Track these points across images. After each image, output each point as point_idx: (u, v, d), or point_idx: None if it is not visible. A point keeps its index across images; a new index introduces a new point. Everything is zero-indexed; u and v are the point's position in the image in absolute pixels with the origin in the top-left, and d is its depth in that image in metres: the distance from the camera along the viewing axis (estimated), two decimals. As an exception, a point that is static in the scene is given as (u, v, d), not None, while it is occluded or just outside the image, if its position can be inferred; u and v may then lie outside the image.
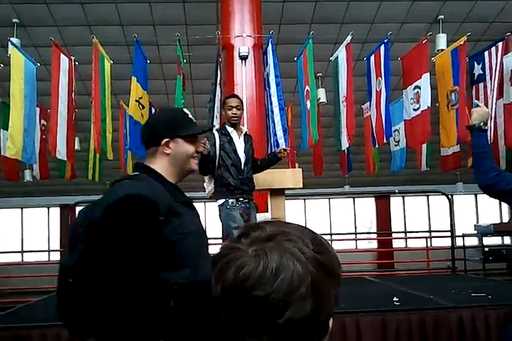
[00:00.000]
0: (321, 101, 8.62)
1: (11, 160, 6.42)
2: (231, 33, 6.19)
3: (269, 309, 0.64)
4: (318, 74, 8.62)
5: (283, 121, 6.42)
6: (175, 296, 1.45)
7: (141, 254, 1.43)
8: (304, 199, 15.53)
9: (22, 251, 15.17)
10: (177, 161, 1.67)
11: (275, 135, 6.52)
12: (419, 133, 6.37)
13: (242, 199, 3.91)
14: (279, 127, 6.41)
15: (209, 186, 4.13)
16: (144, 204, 1.46)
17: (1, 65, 6.28)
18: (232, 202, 3.90)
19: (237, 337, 0.66)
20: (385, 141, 6.48)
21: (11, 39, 6.19)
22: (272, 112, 6.47)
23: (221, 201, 3.94)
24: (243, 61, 6.18)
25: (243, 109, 4.18)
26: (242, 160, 3.97)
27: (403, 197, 15.81)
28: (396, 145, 8.50)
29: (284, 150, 4.11)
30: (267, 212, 4.47)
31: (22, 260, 14.30)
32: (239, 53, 6.13)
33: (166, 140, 1.65)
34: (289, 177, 4.42)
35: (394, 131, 7.60)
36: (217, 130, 4.11)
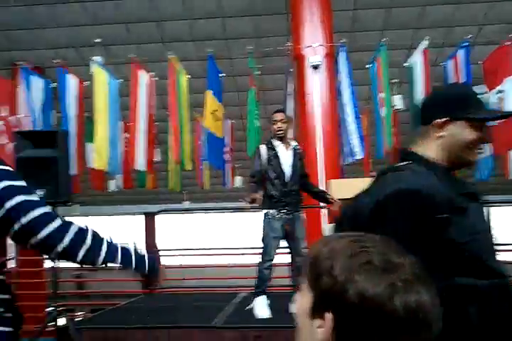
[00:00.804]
0: (396, 107, 8.35)
1: (97, 171, 6.81)
2: (302, 43, 6.19)
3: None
4: (393, 81, 8.38)
5: (359, 129, 6.31)
6: (477, 301, 1.23)
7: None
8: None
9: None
10: (452, 148, 1.36)
11: (349, 144, 6.41)
12: (505, 139, 5.99)
13: (284, 211, 4.05)
14: (354, 136, 6.30)
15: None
16: (419, 201, 1.23)
17: (86, 82, 6.69)
18: (273, 213, 4.07)
19: None
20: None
21: (94, 57, 6.59)
22: (346, 121, 6.37)
23: (264, 211, 4.12)
24: (315, 71, 6.15)
25: (289, 123, 4.30)
26: (287, 174, 4.10)
27: (489, 207, 14.84)
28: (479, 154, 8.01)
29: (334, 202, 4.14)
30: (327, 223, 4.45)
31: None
32: (310, 63, 6.11)
33: (445, 119, 1.35)
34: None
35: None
36: (265, 144, 4.26)
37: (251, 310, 4.01)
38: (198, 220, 16.58)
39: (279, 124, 4.14)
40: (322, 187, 5.22)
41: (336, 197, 4.16)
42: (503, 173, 8.64)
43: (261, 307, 3.97)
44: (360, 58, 7.25)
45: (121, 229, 16.79)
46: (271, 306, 3.97)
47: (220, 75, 6.88)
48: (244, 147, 10.10)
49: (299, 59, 6.27)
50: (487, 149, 7.67)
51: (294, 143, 4.32)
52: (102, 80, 6.25)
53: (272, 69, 8.20)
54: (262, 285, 4.10)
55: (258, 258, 4.14)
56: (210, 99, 6.70)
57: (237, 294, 5.50)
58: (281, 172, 4.09)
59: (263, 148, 4.19)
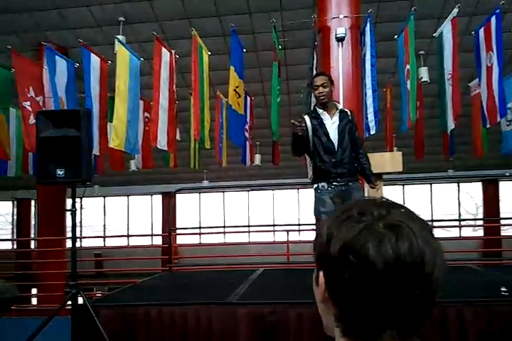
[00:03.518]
0: (423, 80, 8.17)
1: (117, 151, 6.80)
2: (327, 15, 6.04)
3: (430, 285, 0.64)
4: (420, 53, 8.16)
5: (375, 103, 6.16)
6: None
7: None
8: (403, 185, 14.96)
9: (128, 236, 16.25)
10: None
11: (366, 118, 6.28)
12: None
13: (336, 183, 3.78)
14: (370, 110, 6.18)
15: (310, 171, 4.03)
16: None
17: (109, 62, 6.64)
18: (322, 186, 3.82)
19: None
20: (498, 119, 6.01)
21: (117, 36, 6.51)
22: (365, 94, 6.24)
23: (315, 186, 3.87)
24: (340, 43, 6.00)
25: (332, 85, 3.92)
26: (335, 142, 3.81)
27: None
28: (508, 125, 7.85)
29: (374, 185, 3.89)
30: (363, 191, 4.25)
31: (128, 244, 15.32)
32: (336, 35, 5.96)
33: None
34: (388, 160, 4.23)
35: (507, 109, 7.02)
36: (307, 114, 3.95)
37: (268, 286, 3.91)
38: (218, 199, 16.65)
39: (320, 89, 3.81)
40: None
41: None
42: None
43: None
44: (390, 29, 7.06)
45: (140, 209, 16.95)
46: (293, 282, 3.85)
47: (243, 51, 6.76)
48: (264, 124, 10.06)
49: (324, 31, 6.13)
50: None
51: (339, 106, 3.98)
52: (124, 59, 6.18)
53: (296, 42, 8.05)
54: None
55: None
56: (232, 76, 6.61)
57: (256, 271, 5.50)
58: (328, 142, 3.80)
59: (307, 118, 3.86)
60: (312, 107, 4.09)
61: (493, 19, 5.79)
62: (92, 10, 8.35)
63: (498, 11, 5.75)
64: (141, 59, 6.51)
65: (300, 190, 15.49)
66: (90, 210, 16.12)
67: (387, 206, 0.69)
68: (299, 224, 12.55)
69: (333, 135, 3.82)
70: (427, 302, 0.65)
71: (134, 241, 15.59)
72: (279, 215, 15.75)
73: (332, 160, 3.79)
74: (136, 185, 15.44)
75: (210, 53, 6.75)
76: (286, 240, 7.96)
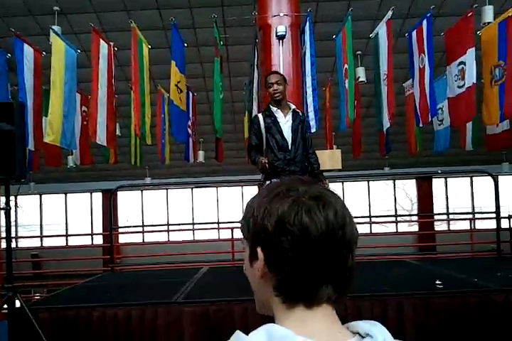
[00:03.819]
0: (360, 80, 8.42)
1: (53, 146, 6.56)
2: (268, 13, 6.09)
3: (350, 245, 0.74)
4: (357, 53, 8.41)
5: (315, 102, 6.30)
6: None
7: None
8: (342, 182, 15.37)
9: (67, 235, 15.71)
10: None
11: (307, 116, 6.41)
12: (464, 112, 6.15)
13: None
14: (310, 108, 6.31)
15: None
16: None
17: (44, 53, 6.39)
18: None
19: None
20: (429, 119, 6.30)
21: (52, 27, 6.28)
22: (306, 93, 6.36)
23: (267, 182, 3.91)
24: (280, 41, 6.08)
25: (286, 84, 4.00)
26: (289, 140, 3.87)
27: (446, 178, 15.43)
28: (440, 125, 8.25)
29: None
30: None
31: (67, 243, 14.82)
32: (276, 33, 6.03)
33: None
34: (328, 158, 4.35)
35: (437, 110, 7.37)
36: (262, 112, 4.02)
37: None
38: (161, 196, 16.41)
39: (275, 86, 3.86)
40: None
41: None
42: (460, 145, 8.96)
43: None
44: (327, 29, 7.23)
45: (79, 207, 16.43)
46: (238, 279, 3.89)
47: (185, 46, 6.70)
48: (207, 121, 10.03)
49: (264, 29, 6.18)
50: (445, 121, 7.94)
51: (292, 106, 4.05)
52: (60, 51, 5.97)
53: (238, 39, 8.07)
54: None
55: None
56: (174, 70, 6.54)
57: (200, 269, 5.49)
58: (282, 139, 3.87)
59: (260, 117, 3.94)
60: (263, 106, 4.15)
61: (425, 22, 6.06)
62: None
63: (429, 14, 6.01)
64: (78, 51, 6.32)
65: (244, 187, 15.56)
66: (26, 208, 15.47)
67: (308, 182, 0.78)
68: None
69: (287, 133, 3.89)
70: (350, 259, 0.74)
71: (73, 241, 15.10)
72: (224, 212, 15.76)
73: (286, 157, 3.85)
74: (75, 182, 14.96)
75: (150, 47, 6.64)
76: (230, 237, 8.00)
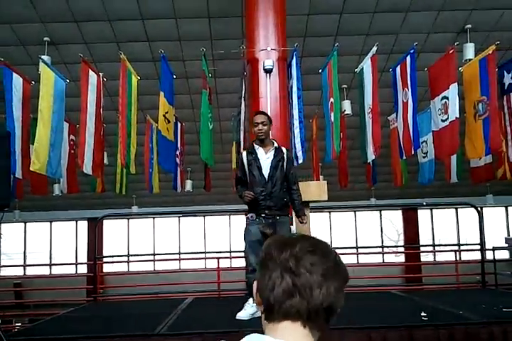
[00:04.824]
0: (346, 113, 8.57)
1: (39, 175, 6.52)
2: (256, 47, 6.23)
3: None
4: (343, 86, 8.59)
5: (302, 134, 6.42)
6: None
7: None
8: (329, 212, 15.39)
9: (50, 264, 15.41)
10: None
11: (295, 148, 6.51)
12: (447, 145, 6.26)
13: (263, 215, 4.01)
14: (297, 140, 6.42)
15: None
16: None
17: (33, 82, 6.44)
18: (252, 216, 4.06)
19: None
20: (412, 152, 6.39)
21: (42, 57, 6.35)
22: (293, 125, 6.47)
23: (247, 215, 4.12)
24: (268, 74, 6.21)
25: (270, 124, 4.22)
26: (266, 176, 4.05)
27: (431, 209, 15.52)
28: (424, 157, 8.37)
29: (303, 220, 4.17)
30: (292, 225, 4.42)
31: (50, 273, 14.53)
32: (264, 67, 6.16)
33: None
34: (314, 189, 4.40)
35: (422, 143, 7.50)
36: (245, 149, 4.27)
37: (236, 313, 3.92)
38: (148, 225, 16.25)
39: (260, 126, 4.09)
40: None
41: None
42: (444, 177, 9.08)
43: (244, 311, 3.87)
44: (314, 63, 7.40)
45: (64, 235, 16.18)
46: (223, 311, 3.88)
47: (173, 77, 6.80)
48: (195, 150, 10.06)
49: (252, 62, 6.30)
50: (430, 154, 8.06)
51: (275, 144, 4.23)
52: (49, 81, 6.02)
53: (226, 72, 8.21)
54: (248, 290, 3.98)
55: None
56: (162, 101, 6.61)
57: (186, 300, 5.41)
58: (260, 175, 4.05)
59: (244, 154, 4.19)
60: (249, 140, 4.31)
61: (408, 58, 6.23)
62: (14, 28, 8.10)
63: (412, 51, 6.19)
64: (68, 80, 6.38)
65: (232, 216, 15.49)
66: (10, 236, 15.19)
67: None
68: (231, 251, 12.50)
69: (266, 169, 4.07)
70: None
71: (57, 270, 14.81)
72: (211, 242, 15.63)
73: (262, 192, 4.01)
74: (60, 210, 14.78)
75: (139, 78, 6.73)
76: (217, 267, 7.91)
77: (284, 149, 4.23)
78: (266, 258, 0.93)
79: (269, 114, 6.20)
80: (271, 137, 4.39)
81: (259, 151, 4.13)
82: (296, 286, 0.88)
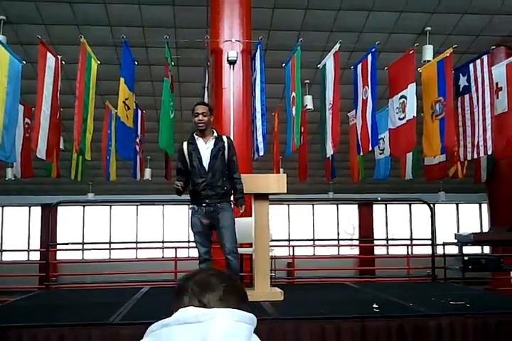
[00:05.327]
0: (307, 107, 8.66)
1: (-10, 158, 6.29)
2: (220, 38, 6.21)
3: None
4: (305, 81, 8.66)
5: (263, 126, 6.47)
6: None
7: None
8: (288, 205, 15.56)
9: (1, 250, 14.95)
10: None
11: (256, 140, 6.56)
12: (404, 143, 6.43)
13: (204, 204, 4.04)
14: (259, 132, 6.47)
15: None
16: None
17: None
18: (193, 208, 4.12)
19: None
20: (370, 149, 6.53)
21: (-3, 36, 6.11)
22: (255, 117, 6.50)
23: (191, 206, 4.16)
24: (231, 66, 6.20)
25: (211, 115, 4.20)
26: (206, 165, 4.07)
27: (386, 204, 15.95)
28: (381, 154, 8.57)
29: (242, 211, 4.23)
30: (251, 216, 4.45)
31: (1, 259, 14.09)
32: (227, 58, 6.14)
33: None
34: (274, 182, 4.42)
35: (379, 140, 7.66)
36: (186, 140, 4.22)
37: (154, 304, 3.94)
38: (104, 213, 15.97)
39: (200, 117, 4.07)
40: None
41: None
42: (400, 174, 9.33)
43: None
44: (277, 57, 7.41)
45: (16, 221, 15.71)
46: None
47: (135, 63, 6.69)
48: (155, 138, 9.91)
49: (216, 53, 6.28)
50: (386, 151, 8.26)
51: (216, 134, 4.22)
52: (4, 61, 5.78)
53: (189, 60, 8.11)
54: None
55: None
56: (122, 87, 6.49)
57: (141, 289, 5.37)
58: (199, 165, 4.08)
59: (184, 145, 4.16)
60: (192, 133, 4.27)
61: (369, 57, 6.34)
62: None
63: (373, 49, 6.31)
64: (24, 62, 6.16)
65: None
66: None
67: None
68: (189, 241, 12.43)
69: (206, 159, 4.09)
70: None
71: (8, 257, 14.37)
72: (169, 231, 15.51)
73: (203, 182, 4.05)
74: (13, 195, 14.32)
75: (99, 62, 6.58)
76: (174, 257, 7.87)
77: (224, 137, 4.22)
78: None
79: (232, 105, 6.28)
80: (213, 126, 4.35)
81: (199, 142, 4.12)
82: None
